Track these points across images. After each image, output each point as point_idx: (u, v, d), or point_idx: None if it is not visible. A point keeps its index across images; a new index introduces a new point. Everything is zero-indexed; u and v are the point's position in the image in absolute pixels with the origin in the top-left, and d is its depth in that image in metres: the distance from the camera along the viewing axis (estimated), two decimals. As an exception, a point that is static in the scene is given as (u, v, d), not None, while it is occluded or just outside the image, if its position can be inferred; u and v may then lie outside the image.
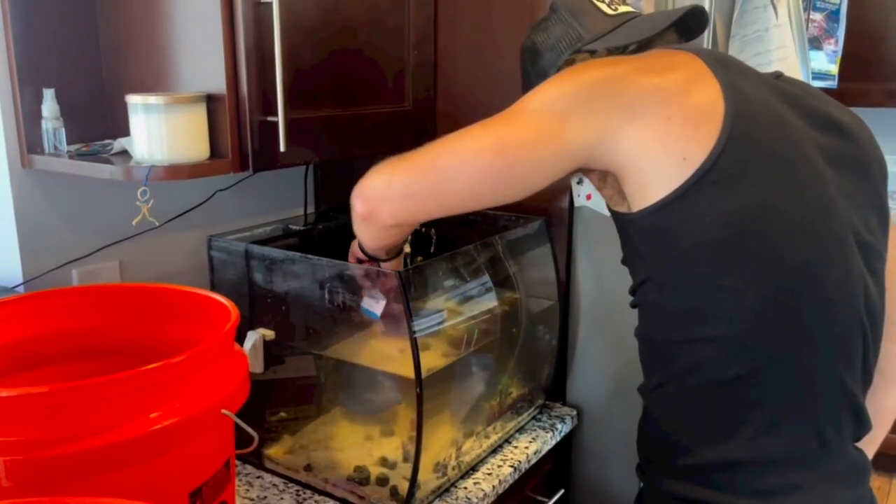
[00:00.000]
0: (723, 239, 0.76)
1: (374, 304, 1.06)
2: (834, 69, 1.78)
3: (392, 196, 0.85)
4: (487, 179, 0.82)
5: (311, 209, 1.55)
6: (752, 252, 0.76)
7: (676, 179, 0.77)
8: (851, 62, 2.14)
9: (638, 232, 0.82)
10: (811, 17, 1.70)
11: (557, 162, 0.81)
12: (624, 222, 0.85)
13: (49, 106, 1.10)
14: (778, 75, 0.91)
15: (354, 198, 0.89)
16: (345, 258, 1.10)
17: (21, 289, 1.13)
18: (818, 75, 1.70)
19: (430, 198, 0.85)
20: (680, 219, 0.78)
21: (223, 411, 0.77)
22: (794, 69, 1.30)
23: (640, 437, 0.95)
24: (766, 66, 1.26)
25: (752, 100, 0.80)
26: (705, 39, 1.20)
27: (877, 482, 2.70)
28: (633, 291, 0.89)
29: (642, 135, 0.77)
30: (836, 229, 0.80)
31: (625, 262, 0.90)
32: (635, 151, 0.78)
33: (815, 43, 1.73)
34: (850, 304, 0.80)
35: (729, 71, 0.82)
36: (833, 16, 1.77)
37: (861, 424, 0.84)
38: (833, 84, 1.76)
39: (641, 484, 0.96)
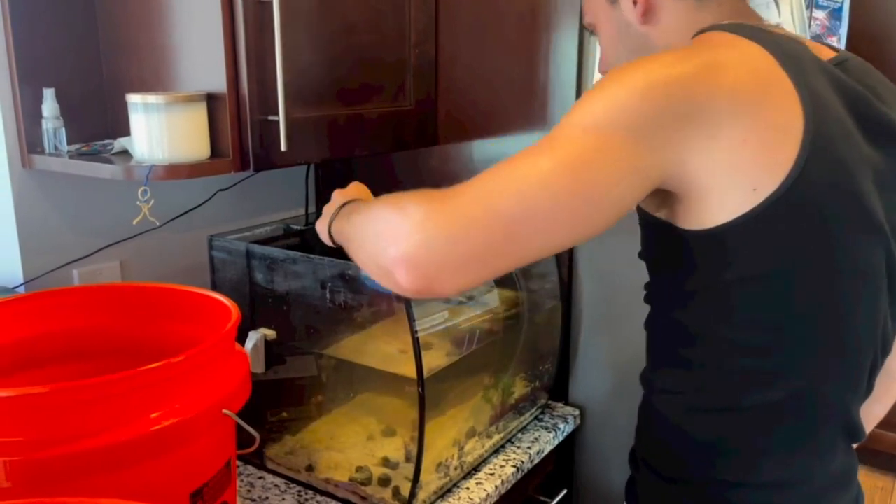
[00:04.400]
0: (771, 274, 0.72)
1: None
2: (836, 67, 1.77)
3: (456, 263, 0.66)
4: (563, 215, 0.67)
5: (312, 209, 1.54)
6: (800, 292, 0.74)
7: (740, 208, 0.70)
8: (854, 61, 2.13)
9: (684, 246, 0.75)
10: (813, 14, 1.69)
11: (635, 185, 0.69)
12: (662, 230, 0.78)
13: (49, 105, 1.09)
14: (842, 60, 0.80)
15: (394, 266, 0.67)
16: (346, 258, 1.09)
17: (22, 289, 1.13)
18: (821, 73, 1.69)
19: (502, 254, 0.67)
20: (734, 247, 0.72)
21: (224, 411, 0.76)
22: (796, 67, 1.29)
23: (643, 437, 0.93)
24: (769, 64, 1.26)
25: (829, 111, 0.72)
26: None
27: (880, 482, 2.70)
28: (654, 287, 0.85)
29: (714, 156, 0.68)
30: (877, 269, 0.77)
31: (649, 258, 0.85)
32: (703, 173, 0.69)
33: (818, 41, 1.72)
34: (871, 339, 0.80)
35: (800, 69, 0.72)
36: (836, 13, 1.76)
37: (857, 437, 0.85)
38: (836, 82, 1.74)
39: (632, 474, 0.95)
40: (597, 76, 1.28)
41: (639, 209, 0.82)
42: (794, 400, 0.77)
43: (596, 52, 1.28)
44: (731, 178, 0.69)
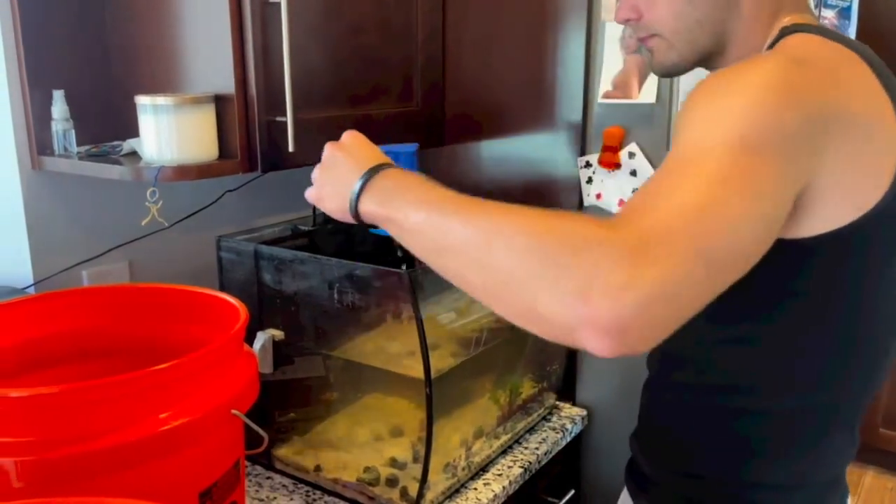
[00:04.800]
0: (856, 285, 0.73)
1: None
2: (845, 67, 1.76)
3: (665, 324, 0.55)
4: (756, 255, 0.60)
5: (319, 210, 1.54)
6: (871, 313, 0.75)
7: (840, 220, 0.68)
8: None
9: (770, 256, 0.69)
10: (822, 13, 1.68)
11: (787, 202, 0.63)
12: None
13: (59, 107, 1.10)
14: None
15: (584, 327, 0.54)
16: (354, 259, 1.09)
17: (31, 289, 1.13)
18: (829, 73, 1.69)
19: (701, 306, 0.57)
20: (826, 257, 0.70)
21: (233, 411, 0.76)
22: (805, 66, 1.29)
23: (656, 431, 0.91)
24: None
25: None
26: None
27: (890, 483, 2.68)
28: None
29: (837, 168, 0.66)
30: None
31: None
32: (816, 192, 0.66)
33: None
34: None
35: (886, 76, 0.71)
36: (845, 13, 1.75)
37: (857, 438, 0.86)
38: (844, 82, 1.74)
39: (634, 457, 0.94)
40: (605, 75, 1.28)
41: None
42: (830, 405, 0.78)
43: (603, 50, 1.27)
44: (840, 198, 0.67)
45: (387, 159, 0.76)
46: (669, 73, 0.84)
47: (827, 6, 1.69)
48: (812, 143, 0.63)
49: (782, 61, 0.67)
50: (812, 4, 1.36)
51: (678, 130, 0.65)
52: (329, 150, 0.79)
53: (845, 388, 0.77)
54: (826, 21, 1.69)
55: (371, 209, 0.72)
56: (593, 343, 0.55)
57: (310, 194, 0.82)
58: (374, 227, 0.74)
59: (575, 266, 0.54)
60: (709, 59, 0.81)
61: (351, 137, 0.79)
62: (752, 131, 0.61)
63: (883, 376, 0.80)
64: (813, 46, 0.71)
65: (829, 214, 0.67)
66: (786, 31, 0.75)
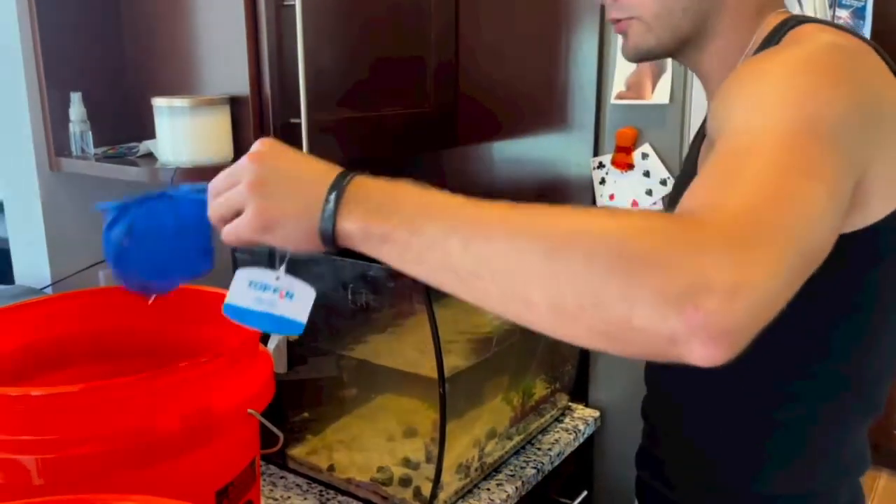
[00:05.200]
0: (880, 294, 0.72)
1: None
2: (860, 67, 1.75)
3: (761, 324, 0.49)
4: (833, 234, 0.56)
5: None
6: None
7: (874, 217, 0.66)
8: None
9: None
10: (836, 13, 1.67)
11: (849, 194, 0.60)
12: None
13: (76, 109, 1.11)
14: None
15: (692, 336, 0.47)
16: (368, 259, 1.09)
17: (49, 290, 1.15)
18: (844, 73, 1.68)
19: (794, 292, 0.52)
20: (880, 247, 0.68)
21: (249, 411, 0.77)
22: (820, 67, 1.28)
23: (679, 444, 0.87)
24: (792, 63, 1.25)
25: None
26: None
27: (904, 486, 2.65)
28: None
29: (882, 167, 0.64)
30: None
31: None
32: (867, 184, 0.64)
33: (841, 40, 1.70)
34: None
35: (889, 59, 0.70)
36: (859, 12, 1.74)
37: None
38: (859, 82, 1.73)
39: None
40: (618, 76, 1.28)
41: None
42: (861, 414, 0.77)
43: (616, 51, 1.27)
44: (886, 193, 0.65)
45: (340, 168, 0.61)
46: (642, 58, 0.80)
47: (841, 6, 1.68)
48: (866, 132, 0.60)
49: (826, 45, 0.63)
50: (826, 4, 1.36)
51: (724, 118, 0.61)
52: (255, 163, 0.60)
53: (867, 395, 0.76)
54: (840, 20, 1.68)
55: (357, 227, 0.57)
56: (702, 352, 0.48)
57: (243, 226, 0.61)
58: (340, 252, 0.61)
59: (676, 268, 0.47)
60: (686, 47, 0.78)
61: (274, 143, 0.63)
62: (816, 117, 0.56)
63: None
64: (836, 35, 0.67)
65: (872, 210, 0.65)
66: (788, 24, 0.72)
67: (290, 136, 1.09)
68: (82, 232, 1.19)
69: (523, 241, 0.51)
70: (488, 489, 1.17)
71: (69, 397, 0.67)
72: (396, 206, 0.57)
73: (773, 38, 0.72)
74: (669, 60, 1.21)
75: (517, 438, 1.27)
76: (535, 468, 1.23)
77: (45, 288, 1.15)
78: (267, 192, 0.60)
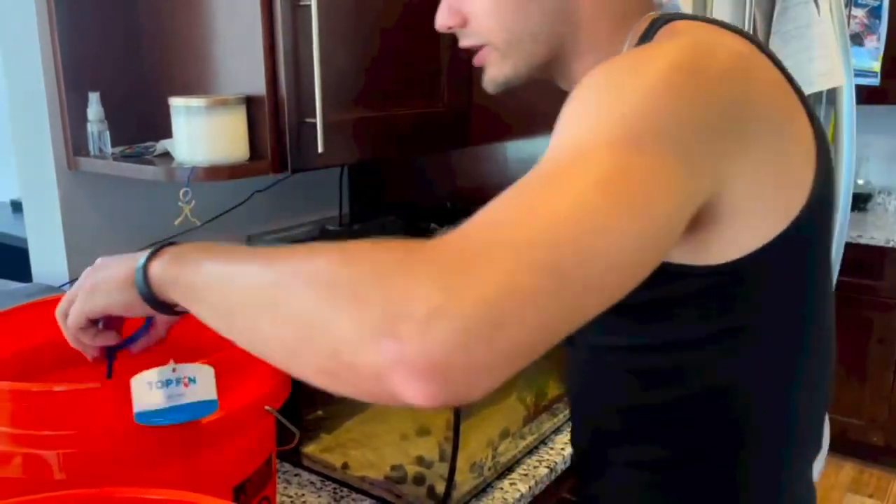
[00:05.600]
0: (799, 304, 0.67)
1: None
2: (876, 66, 1.74)
3: (499, 358, 0.44)
4: (625, 264, 0.48)
5: (345, 209, 1.56)
6: (820, 321, 0.70)
7: (772, 230, 0.60)
8: (894, 59, 2.10)
9: (698, 286, 0.63)
10: (852, 13, 1.66)
11: (685, 216, 0.53)
12: (664, 272, 0.60)
13: (94, 109, 1.12)
14: None
15: (394, 372, 0.43)
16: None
17: (67, 287, 1.16)
18: (860, 73, 1.67)
19: (553, 332, 0.47)
20: (762, 277, 0.63)
21: (266, 408, 0.78)
22: (835, 66, 1.28)
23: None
24: (808, 62, 1.24)
25: (816, 114, 0.65)
26: (744, 37, 1.19)
27: (920, 489, 2.63)
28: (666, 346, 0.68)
29: (757, 169, 0.58)
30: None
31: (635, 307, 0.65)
32: (744, 194, 0.58)
33: (857, 40, 1.69)
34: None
35: (781, 64, 0.64)
36: (875, 12, 1.73)
37: None
38: (875, 81, 1.72)
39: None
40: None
41: None
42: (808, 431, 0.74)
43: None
44: (766, 200, 0.59)
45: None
46: (503, 89, 0.75)
47: (857, 5, 1.67)
48: (724, 144, 0.54)
49: (684, 45, 0.57)
50: (843, 4, 1.35)
51: (556, 129, 0.56)
52: (87, 270, 0.71)
53: (799, 434, 0.71)
54: (856, 20, 1.67)
55: (161, 270, 0.61)
56: (409, 389, 0.42)
57: (77, 299, 0.69)
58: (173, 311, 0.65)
59: (379, 295, 0.43)
60: (552, 71, 0.73)
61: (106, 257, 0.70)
62: (644, 126, 0.51)
63: (827, 403, 0.75)
64: (708, 32, 0.62)
65: (758, 229, 0.59)
66: (657, 23, 0.66)
67: (304, 135, 1.09)
68: (99, 230, 1.20)
69: (266, 277, 0.50)
70: (501, 488, 1.17)
71: (90, 393, 0.68)
72: (194, 253, 0.59)
73: (644, 41, 0.67)
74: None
75: (530, 438, 1.27)
76: (548, 468, 1.23)
77: (62, 286, 1.16)
78: (94, 273, 0.69)
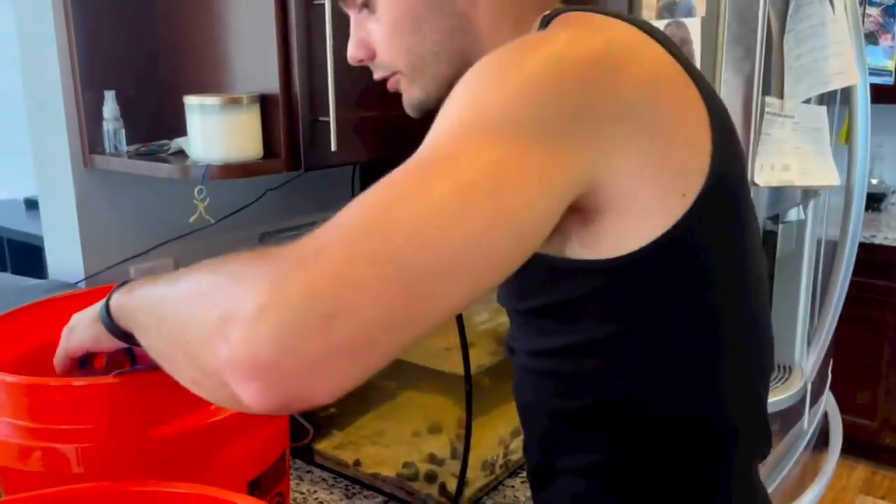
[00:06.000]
0: (716, 284, 0.64)
1: None
2: (890, 65, 1.73)
3: (333, 355, 0.42)
4: (476, 256, 0.47)
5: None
6: (735, 309, 0.67)
7: (669, 219, 0.58)
8: (907, 58, 2.08)
9: (610, 282, 0.61)
10: (867, 11, 1.66)
11: (555, 204, 0.52)
12: (568, 270, 0.62)
13: (110, 107, 1.13)
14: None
15: (228, 373, 0.43)
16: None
17: (83, 284, 1.17)
18: (874, 71, 1.66)
19: (398, 327, 0.44)
20: (666, 266, 0.61)
21: (281, 404, 0.78)
22: (850, 64, 1.27)
23: None
24: (822, 61, 1.24)
25: (714, 92, 0.64)
26: (758, 35, 1.18)
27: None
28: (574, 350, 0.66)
29: (641, 155, 0.56)
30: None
31: (540, 308, 0.67)
32: (628, 183, 0.56)
33: (871, 38, 1.68)
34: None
35: (673, 45, 0.62)
36: (890, 10, 1.72)
37: None
38: (889, 80, 1.71)
39: None
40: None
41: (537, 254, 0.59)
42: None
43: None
44: (658, 184, 0.57)
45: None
46: (421, 112, 0.73)
47: (872, 4, 1.66)
48: (596, 132, 0.53)
49: (559, 36, 0.57)
50: (857, 1, 1.34)
51: (435, 122, 0.55)
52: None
53: (732, 430, 0.69)
54: (871, 18, 1.66)
55: (116, 300, 0.63)
56: (243, 391, 0.41)
57: (60, 342, 0.73)
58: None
59: (222, 299, 0.44)
60: None
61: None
62: (510, 111, 0.51)
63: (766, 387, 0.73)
64: (599, 21, 0.61)
65: (651, 222, 0.58)
66: (551, 15, 0.66)
67: (318, 134, 1.10)
68: (115, 228, 1.21)
69: (161, 291, 0.53)
70: (513, 486, 1.17)
71: (108, 388, 0.69)
72: (140, 283, 0.61)
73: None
74: (699, 57, 1.21)
75: (541, 436, 1.28)
76: (559, 466, 1.23)
77: (78, 282, 1.17)
78: (73, 317, 0.72)
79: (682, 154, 0.58)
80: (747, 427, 0.71)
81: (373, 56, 0.72)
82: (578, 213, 0.57)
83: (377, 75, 0.74)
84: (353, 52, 0.74)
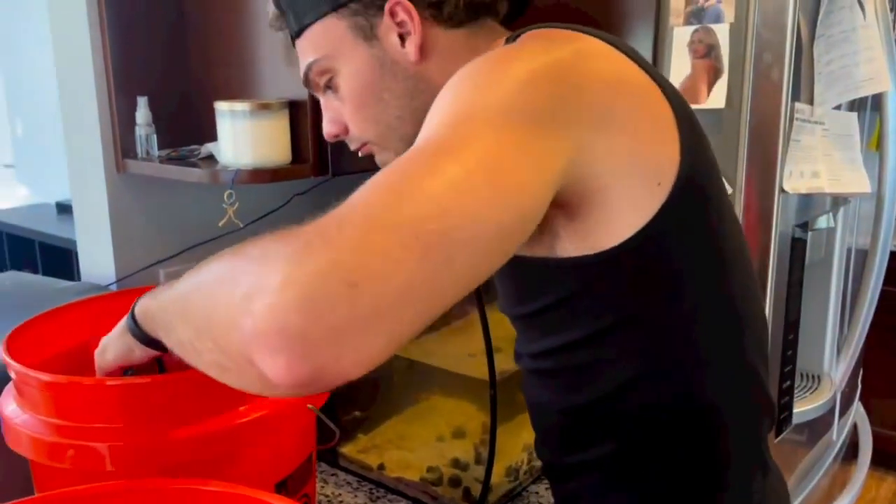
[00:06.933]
0: (695, 270, 0.66)
1: None
2: (923, 71, 1.70)
3: (359, 325, 0.43)
4: (489, 234, 0.50)
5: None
6: (719, 298, 0.68)
7: (648, 209, 0.61)
8: (940, 64, 2.04)
9: (597, 277, 0.64)
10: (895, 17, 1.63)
11: (548, 189, 0.55)
12: (561, 269, 0.64)
13: (142, 113, 1.15)
14: None
15: (251, 348, 0.43)
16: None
17: (114, 286, 1.19)
18: (906, 77, 1.63)
19: (426, 296, 0.46)
20: (655, 253, 0.63)
21: (308, 406, 0.79)
22: (881, 71, 1.25)
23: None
24: (853, 67, 1.22)
25: (679, 94, 0.67)
26: (787, 41, 1.17)
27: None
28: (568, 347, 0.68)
29: (614, 148, 0.60)
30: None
31: (538, 312, 0.69)
32: (602, 175, 0.59)
33: (903, 43, 1.66)
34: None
35: (630, 49, 0.66)
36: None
37: None
38: (922, 86, 1.68)
39: None
40: (673, 80, 1.27)
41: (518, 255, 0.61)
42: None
43: (671, 56, 1.26)
44: (634, 175, 0.60)
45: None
46: None
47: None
48: (571, 122, 0.57)
49: (530, 47, 0.62)
50: (888, 7, 1.32)
51: (425, 122, 0.58)
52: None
53: (729, 418, 0.70)
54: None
55: (141, 307, 0.66)
56: (270, 366, 0.41)
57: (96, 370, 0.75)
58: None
59: (246, 278, 0.44)
60: None
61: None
62: (503, 104, 0.54)
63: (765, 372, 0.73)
64: (566, 34, 0.66)
65: (631, 214, 0.60)
66: (513, 36, 0.69)
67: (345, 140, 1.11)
68: (145, 231, 1.23)
69: (187, 285, 0.54)
70: (537, 492, 1.16)
71: (139, 388, 0.70)
72: (162, 287, 0.63)
73: None
74: (727, 63, 1.20)
75: (566, 443, 1.27)
76: (583, 473, 1.22)
77: (110, 285, 1.19)
78: (104, 337, 0.74)
79: (652, 147, 0.62)
80: (750, 405, 0.72)
81: (346, 130, 0.78)
82: (562, 208, 0.60)
83: (352, 147, 0.80)
84: (328, 129, 0.79)
